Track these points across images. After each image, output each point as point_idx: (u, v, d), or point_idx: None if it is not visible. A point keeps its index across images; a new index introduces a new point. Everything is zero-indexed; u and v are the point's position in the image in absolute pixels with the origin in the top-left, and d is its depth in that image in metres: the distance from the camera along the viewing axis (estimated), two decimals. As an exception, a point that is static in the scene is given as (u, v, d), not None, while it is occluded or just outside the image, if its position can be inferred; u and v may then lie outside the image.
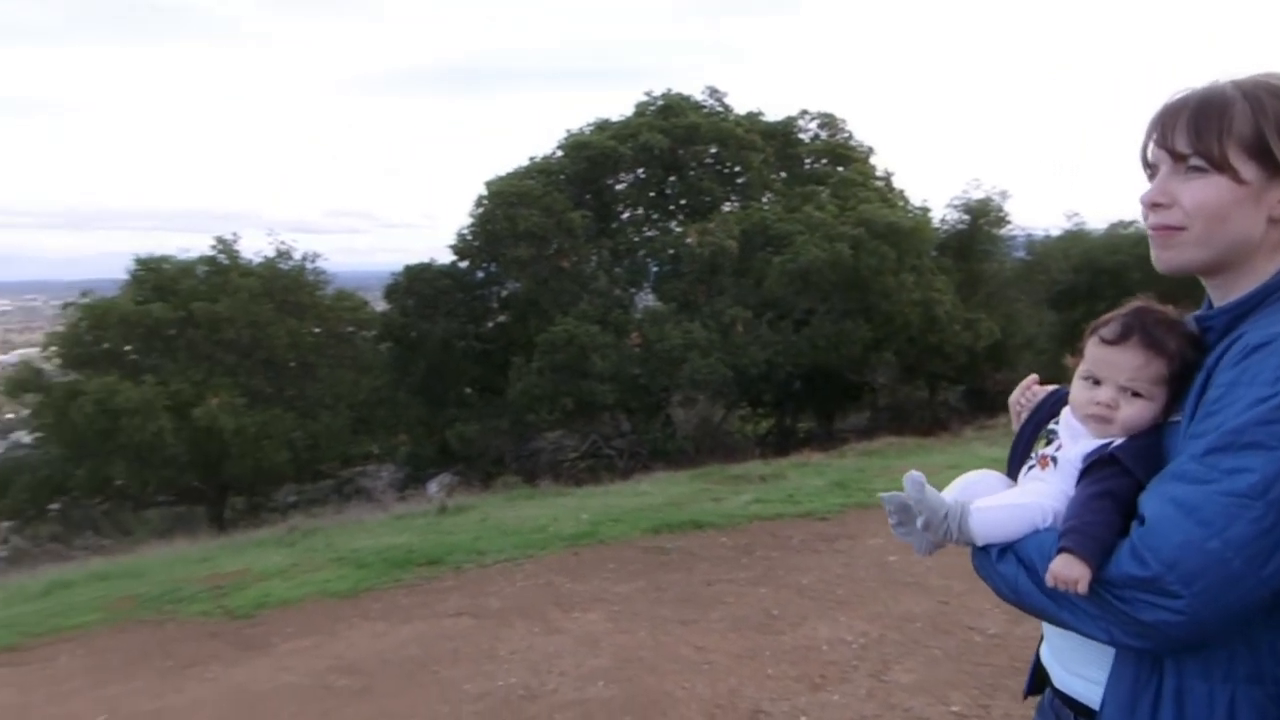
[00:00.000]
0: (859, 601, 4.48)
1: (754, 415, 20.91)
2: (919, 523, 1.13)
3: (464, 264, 18.57)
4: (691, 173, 18.99)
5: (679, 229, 18.39)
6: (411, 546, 6.23)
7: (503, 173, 18.37)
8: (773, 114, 20.39)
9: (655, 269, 18.60)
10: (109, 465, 13.52)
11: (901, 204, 19.10)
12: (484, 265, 18.78)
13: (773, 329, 16.37)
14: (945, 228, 19.80)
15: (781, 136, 19.94)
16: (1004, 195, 19.62)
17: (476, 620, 4.60)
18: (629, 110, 19.49)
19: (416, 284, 17.79)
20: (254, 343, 15.41)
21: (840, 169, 19.82)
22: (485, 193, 17.85)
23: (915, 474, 1.13)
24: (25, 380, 14.80)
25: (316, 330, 16.52)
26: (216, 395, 13.97)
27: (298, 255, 17.05)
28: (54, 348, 15.31)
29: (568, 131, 19.24)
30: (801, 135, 20.44)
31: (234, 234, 17.05)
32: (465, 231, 18.27)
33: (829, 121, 20.46)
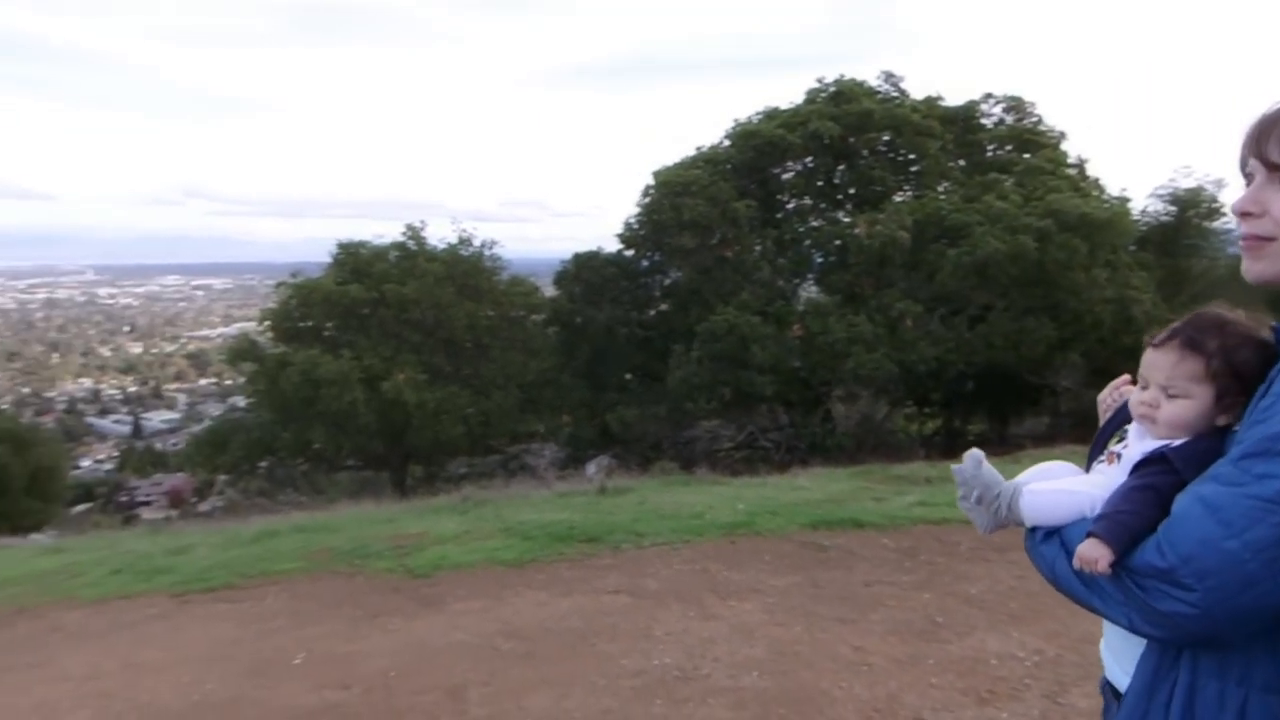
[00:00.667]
0: (1033, 617, 4.22)
1: (920, 415, 20.04)
2: (973, 496, 1.21)
3: (629, 253, 18.97)
4: (862, 161, 18.39)
5: (847, 219, 17.88)
6: (573, 523, 6.47)
7: (670, 163, 18.58)
8: (954, 98, 19.36)
9: (820, 260, 18.20)
10: (310, 430, 14.99)
11: (1096, 193, 17.59)
12: (649, 254, 19.10)
13: (945, 325, 15.59)
14: (1147, 220, 18.06)
15: (962, 122, 18.90)
16: (1219, 185, 17.64)
17: (634, 599, 4.73)
18: (800, 98, 19.13)
19: (584, 271, 18.37)
20: (436, 323, 16.52)
21: (1026, 156, 18.51)
22: (652, 183, 18.12)
23: (975, 451, 1.23)
24: (243, 350, 16.69)
25: (491, 313, 17.46)
26: (402, 371, 15.12)
27: (477, 242, 18.09)
28: (267, 322, 17.11)
29: (735, 121, 19.17)
30: (984, 120, 19.27)
31: (422, 222, 18.32)
32: (632, 221, 18.64)
33: (1015, 105, 19.16)
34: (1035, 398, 18.46)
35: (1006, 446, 13.73)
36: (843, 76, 19.19)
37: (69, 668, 4.53)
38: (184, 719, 3.70)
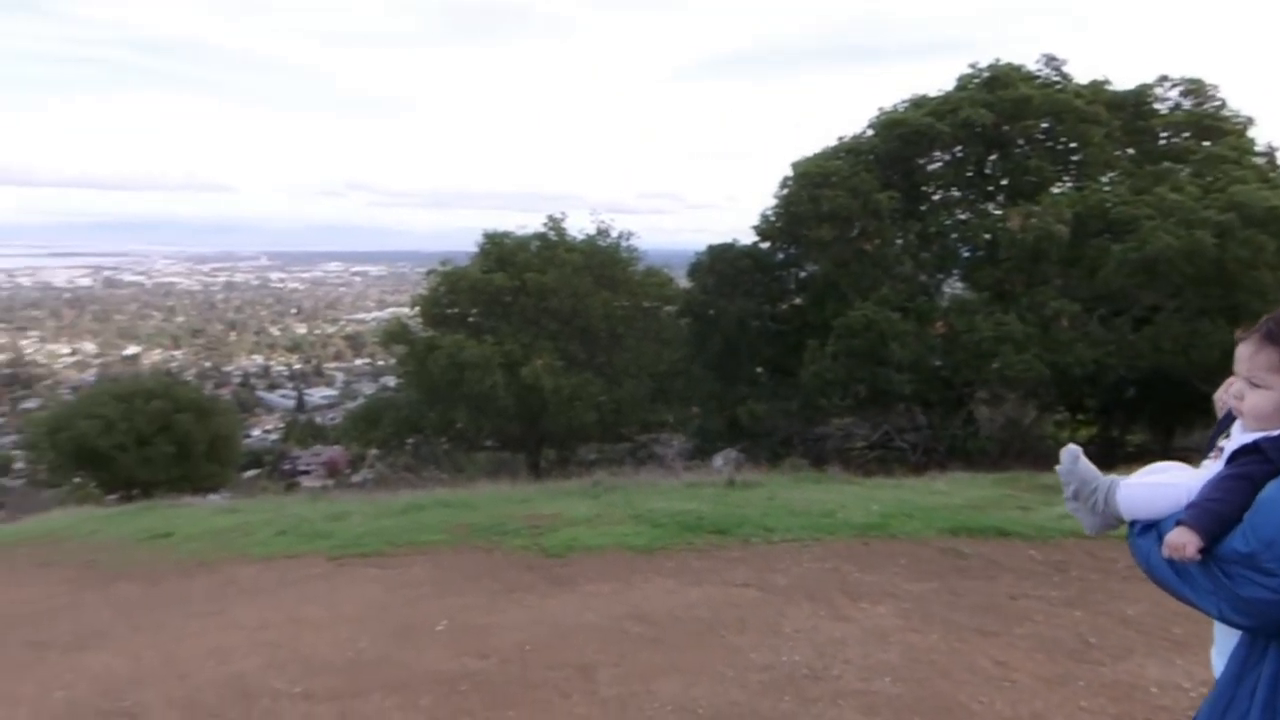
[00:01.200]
0: (1200, 645, 3.85)
1: (1072, 421, 18.77)
2: (1069, 490, 1.25)
3: (765, 245, 18.75)
4: (1017, 150, 17.35)
5: (997, 211, 16.93)
6: (702, 514, 6.50)
7: (810, 154, 18.20)
8: (1123, 82, 17.91)
9: (967, 254, 17.34)
10: (454, 410, 15.80)
11: (1289, 184, 15.83)
12: (784, 247, 18.81)
13: (1105, 326, 14.51)
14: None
15: (1131, 107, 17.46)
16: None
17: (763, 594, 4.71)
18: (950, 85, 18.26)
19: (718, 263, 18.31)
20: (573, 312, 16.98)
21: (1206, 144, 16.88)
22: (791, 174, 17.82)
23: (1072, 446, 1.29)
24: (396, 333, 17.78)
25: (626, 303, 17.75)
26: (540, 357, 15.66)
27: (614, 233, 18.41)
28: (418, 308, 18.13)
29: (880, 109, 18.52)
30: (1157, 105, 17.72)
31: (562, 213, 18.84)
32: (768, 212, 18.41)
33: (1194, 88, 17.50)
34: (1206, 407, 16.85)
35: (1170, 459, 12.64)
36: (998, 61, 18.15)
37: (241, 618, 4.99)
38: (341, 673, 4.00)
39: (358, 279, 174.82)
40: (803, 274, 19.06)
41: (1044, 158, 17.10)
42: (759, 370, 18.72)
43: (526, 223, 18.92)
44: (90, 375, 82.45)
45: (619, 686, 3.64)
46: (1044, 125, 17.11)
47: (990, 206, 17.51)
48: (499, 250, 17.45)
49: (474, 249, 18.11)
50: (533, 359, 15.50)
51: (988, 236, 16.22)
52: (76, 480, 20.32)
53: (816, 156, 17.95)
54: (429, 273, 18.40)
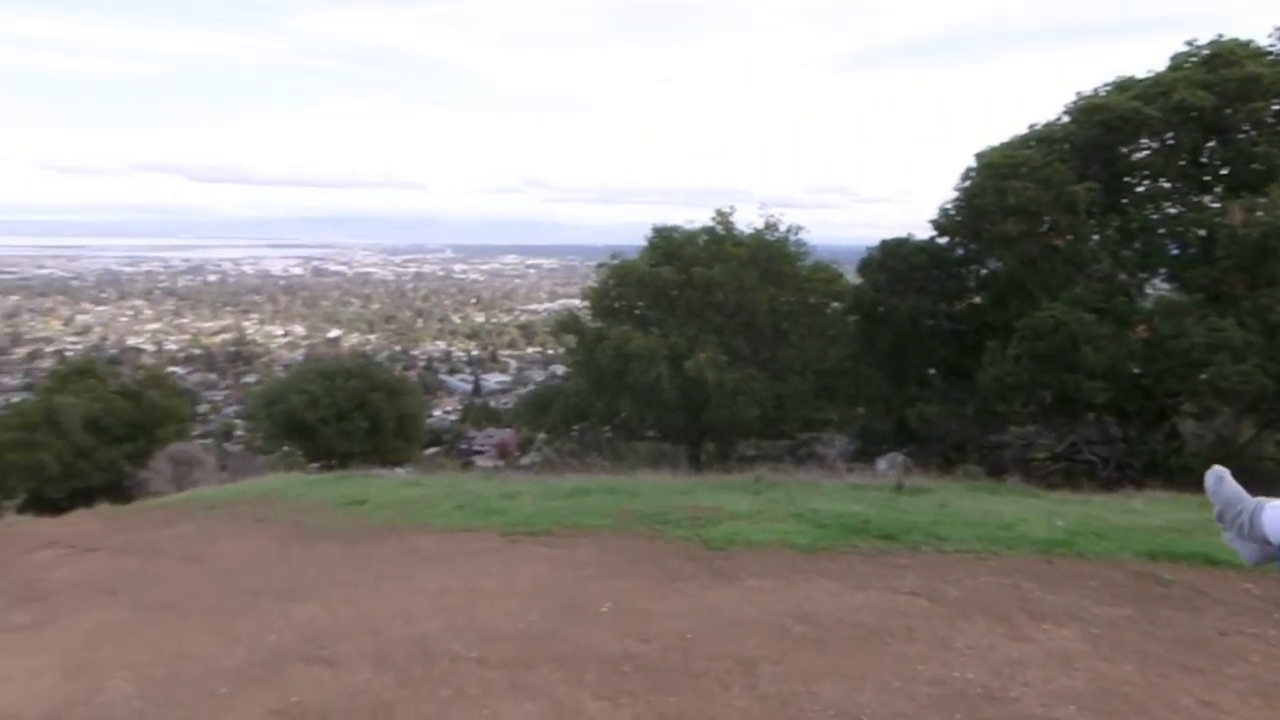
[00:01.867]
0: None
1: (1301, 441, 16.54)
2: (1215, 513, 1.21)
3: (943, 240, 17.82)
4: (1241, 136, 15.43)
5: (1215, 204, 15.16)
6: (867, 517, 6.31)
7: (997, 143, 17.08)
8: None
9: (1175, 252, 15.65)
10: (619, 400, 16.21)
11: None
12: (964, 242, 17.80)
13: (1347, 335, 12.68)
14: None
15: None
16: None
17: (933, 604, 4.51)
18: (1160, 65, 16.52)
19: (891, 259, 17.60)
20: (738, 306, 16.93)
21: None
22: (974, 165, 16.81)
23: (1217, 467, 1.28)
24: (567, 324, 18.49)
25: (792, 299, 17.45)
26: (704, 350, 15.73)
27: (782, 228, 18.14)
28: (587, 300, 18.73)
29: (1078, 94, 17.06)
30: None
31: (730, 207, 18.76)
32: (948, 206, 17.47)
33: None
34: None
35: None
36: (1220, 37, 16.22)
37: (425, 583, 5.38)
38: (512, 643, 4.23)
39: (532, 271, 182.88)
40: (984, 271, 17.95)
41: (1274, 144, 15.12)
42: (931, 371, 17.84)
43: (694, 217, 19.01)
44: (299, 355, 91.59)
45: (780, 684, 3.62)
46: (1275, 107, 15.12)
47: (1206, 199, 15.70)
48: (667, 244, 17.67)
49: (642, 243, 18.44)
50: (697, 352, 15.60)
51: (1202, 232, 14.56)
52: (285, 448, 22.65)
53: (1004, 146, 16.82)
54: (599, 266, 18.91)
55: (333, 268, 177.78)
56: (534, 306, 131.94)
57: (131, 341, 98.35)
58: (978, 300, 18.09)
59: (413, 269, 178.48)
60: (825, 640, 4.07)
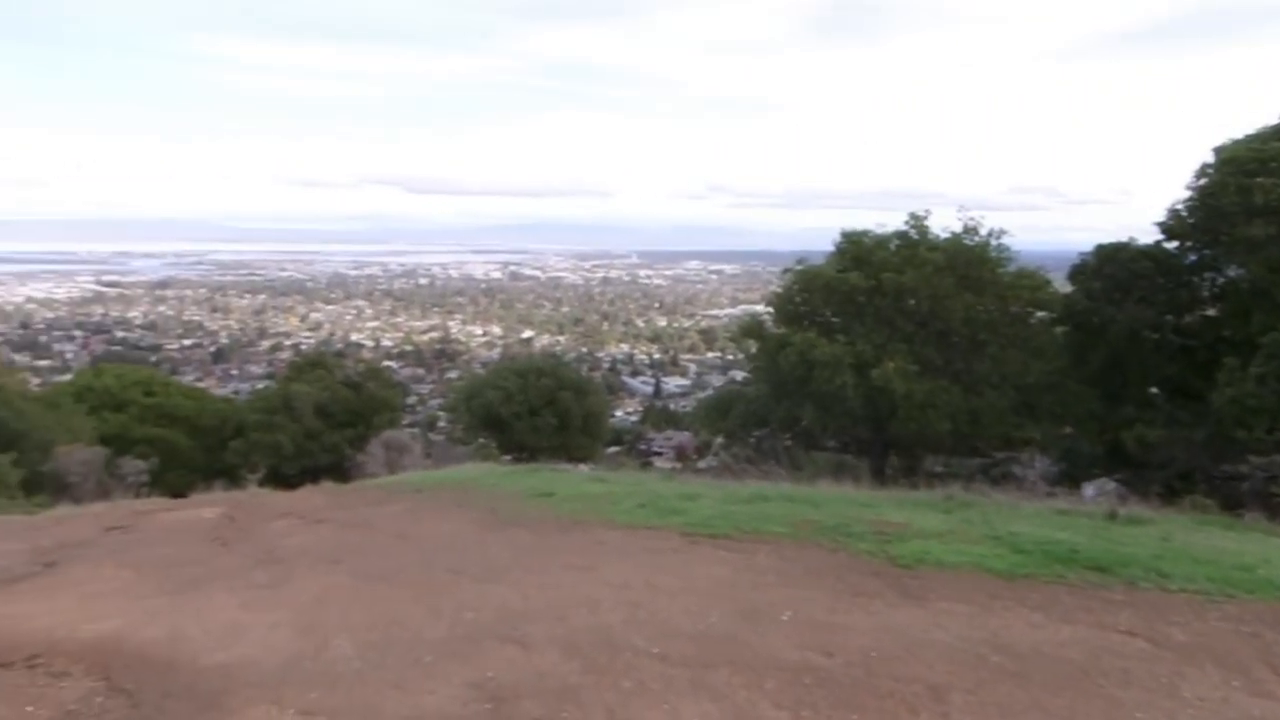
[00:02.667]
0: None
1: None
2: None
3: (1171, 244, 16.06)
4: None
5: None
6: (1076, 546, 5.80)
7: (1239, 135, 15.17)
8: None
9: None
10: (800, 407, 15.90)
11: None
12: (1198, 246, 15.95)
13: None
14: None
15: None
16: None
17: (1154, 647, 4.07)
18: None
19: (1108, 265, 16.09)
20: (931, 314, 16.09)
21: None
22: (1212, 160, 15.03)
23: None
24: (750, 329, 18.41)
25: (992, 307, 16.35)
26: (892, 359, 15.09)
27: (983, 232, 17.04)
28: (771, 305, 18.54)
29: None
30: None
31: (926, 210, 17.88)
32: (1178, 206, 15.73)
33: None
34: None
35: None
36: None
37: (608, 575, 5.56)
38: (692, 642, 4.27)
39: (714, 277, 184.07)
40: (1221, 280, 16.01)
41: None
42: (1153, 390, 16.11)
43: (884, 221, 18.27)
44: (496, 353, 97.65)
45: (974, 714, 3.41)
46: None
47: None
48: (855, 249, 17.13)
49: (828, 248, 17.98)
50: (884, 361, 14.99)
51: None
52: (481, 440, 24.19)
53: (1248, 139, 14.92)
54: (784, 271, 18.63)
55: (528, 272, 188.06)
56: (715, 312, 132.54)
57: (354, 337, 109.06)
58: (1212, 312, 16.17)
59: (600, 274, 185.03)
60: (1026, 674, 3.78)
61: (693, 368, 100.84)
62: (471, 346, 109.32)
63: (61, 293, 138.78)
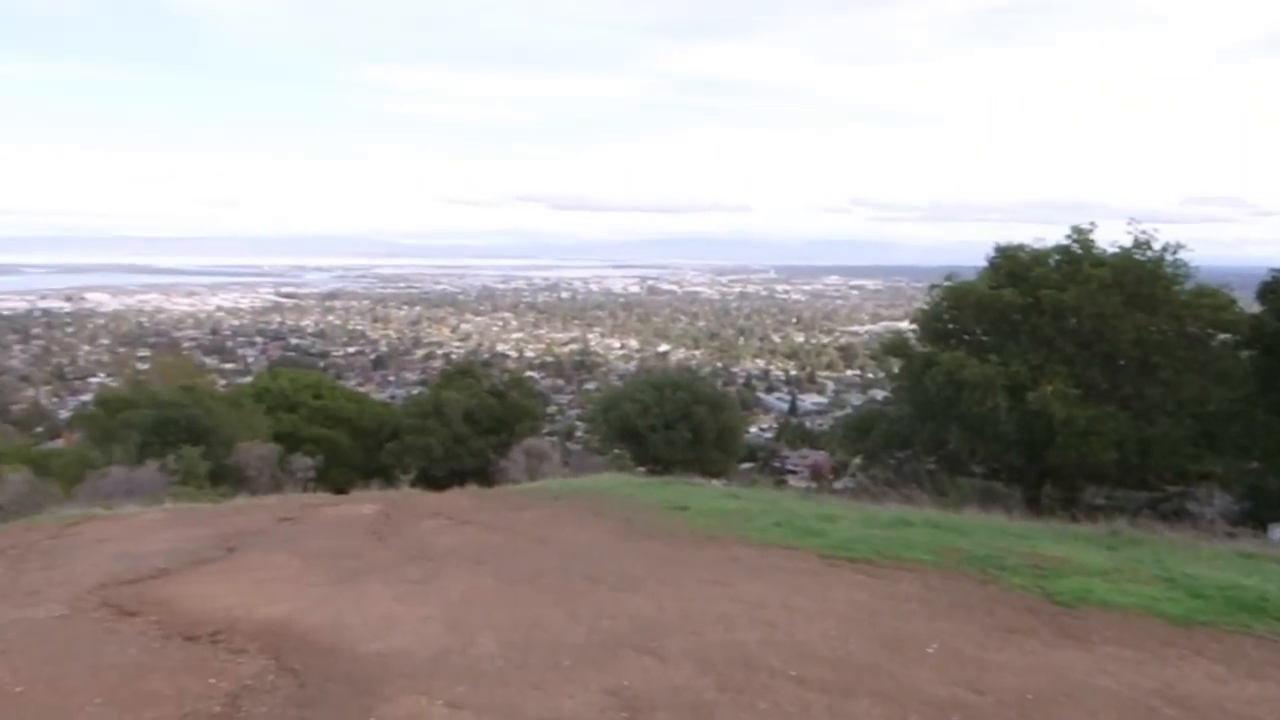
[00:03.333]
0: None
1: None
2: None
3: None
4: None
5: None
6: (1265, 594, 5.24)
7: None
8: None
9: None
10: (946, 430, 15.15)
11: None
12: None
13: None
14: None
15: None
16: None
17: (1362, 714, 3.61)
18: None
19: (1308, 283, 14.44)
20: (1096, 334, 14.95)
21: None
22: None
23: None
24: (894, 346, 17.74)
25: (1165, 328, 15.01)
26: (1050, 382, 14.13)
27: (1156, 246, 15.69)
28: (916, 322, 17.82)
29: None
30: None
31: (1091, 223, 16.69)
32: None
33: None
34: None
35: None
36: None
37: (743, 593, 5.50)
38: (831, 667, 4.16)
39: (854, 292, 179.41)
40: None
41: None
42: (1362, 424, 14.30)
43: (1042, 235, 17.12)
44: (633, 366, 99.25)
45: (1142, 770, 3.14)
46: None
47: None
48: (1010, 264, 16.18)
49: (979, 263, 17.08)
50: (1042, 384, 14.03)
51: None
52: (617, 451, 24.58)
53: None
54: (930, 287, 17.85)
55: (665, 286, 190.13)
56: (855, 328, 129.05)
57: (500, 348, 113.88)
58: None
59: (737, 289, 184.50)
60: (1206, 731, 3.45)
61: (830, 385, 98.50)
62: (609, 359, 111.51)
63: (246, 303, 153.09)
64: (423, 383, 64.01)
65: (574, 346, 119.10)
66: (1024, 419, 14.29)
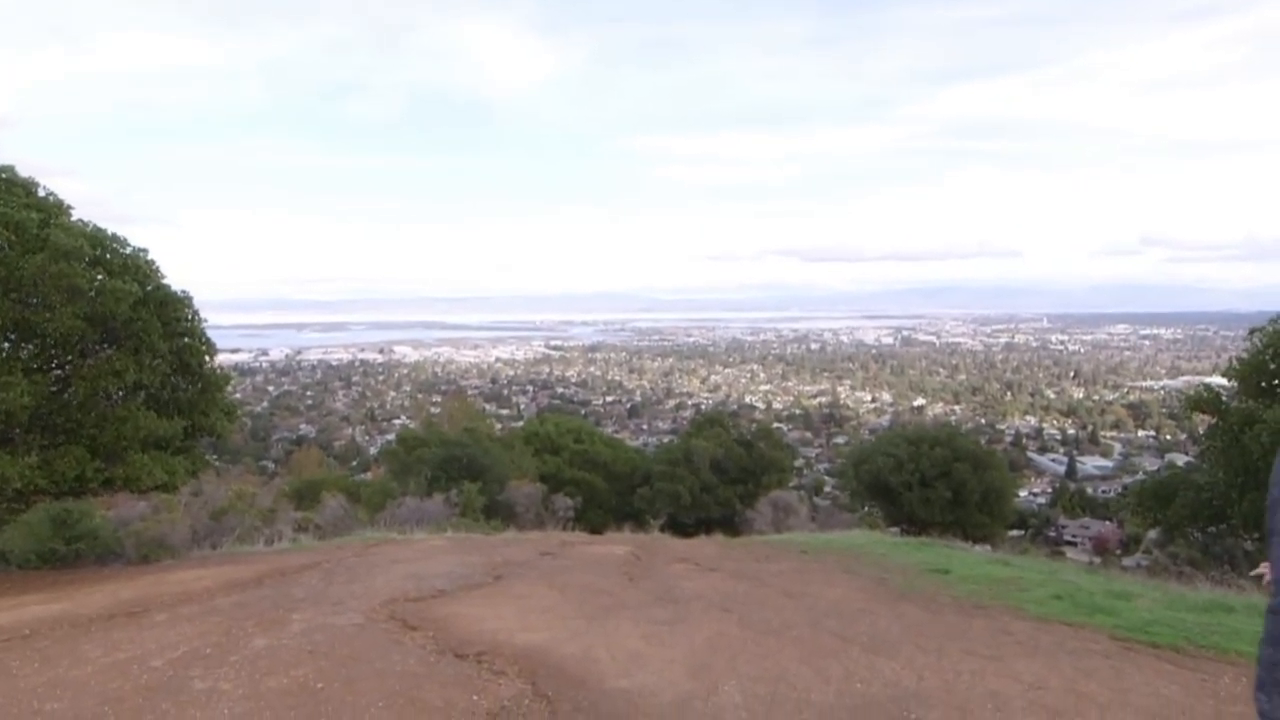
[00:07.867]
0: None
1: None
2: None
3: None
4: None
5: None
6: None
7: None
8: None
9: None
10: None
11: None
12: None
13: None
14: None
15: None
16: None
17: None
18: None
19: None
20: None
21: None
22: None
23: None
24: (1203, 402, 15.20)
25: None
26: None
27: None
28: (1231, 375, 15.20)
29: None
30: None
31: None
32: None
33: None
34: None
35: None
36: None
37: (1017, 671, 4.90)
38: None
39: (1146, 342, 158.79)
40: None
41: None
42: None
43: None
44: (885, 420, 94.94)
45: None
46: None
47: None
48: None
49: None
50: None
51: None
52: (867, 508, 23.44)
53: None
54: (1251, 331, 15.17)
55: (921, 337, 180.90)
56: (1148, 383, 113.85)
57: (748, 399, 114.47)
58: None
59: (1003, 339, 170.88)
60: None
61: (1117, 447, 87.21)
62: (860, 412, 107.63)
63: (520, 354, 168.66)
64: (673, 431, 65.77)
65: (822, 399, 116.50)
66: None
